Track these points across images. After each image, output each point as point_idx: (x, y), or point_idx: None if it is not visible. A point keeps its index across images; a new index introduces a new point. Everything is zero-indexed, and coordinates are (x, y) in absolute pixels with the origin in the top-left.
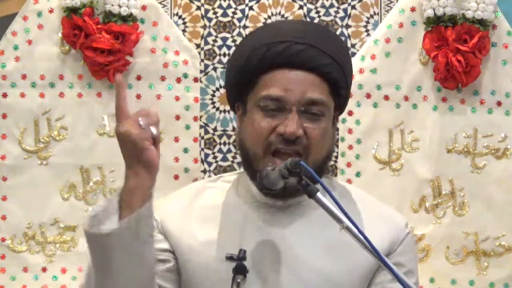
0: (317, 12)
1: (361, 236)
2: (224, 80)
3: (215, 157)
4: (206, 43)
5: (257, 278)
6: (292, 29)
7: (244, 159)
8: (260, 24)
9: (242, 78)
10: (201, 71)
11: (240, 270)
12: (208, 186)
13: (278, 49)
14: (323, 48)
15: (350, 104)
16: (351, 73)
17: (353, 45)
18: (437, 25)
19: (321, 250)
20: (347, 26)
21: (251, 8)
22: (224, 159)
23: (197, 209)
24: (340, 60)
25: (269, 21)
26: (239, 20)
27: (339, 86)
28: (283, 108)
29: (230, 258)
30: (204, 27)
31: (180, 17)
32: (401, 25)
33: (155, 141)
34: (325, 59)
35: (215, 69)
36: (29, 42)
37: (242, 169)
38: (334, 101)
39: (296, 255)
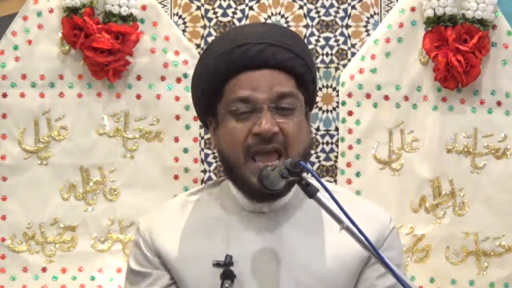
0: (317, 12)
1: (361, 236)
2: (192, 99)
3: (215, 157)
4: (206, 43)
5: (255, 282)
6: (249, 32)
7: (226, 168)
8: None
9: (209, 89)
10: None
11: (227, 275)
12: (191, 200)
13: (238, 53)
14: (283, 45)
15: (350, 104)
16: (315, 68)
17: (353, 45)
18: (437, 25)
19: (311, 249)
20: (347, 26)
21: (251, 8)
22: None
23: (183, 224)
24: (302, 54)
25: (269, 21)
26: (239, 20)
27: (305, 80)
28: (254, 108)
29: (217, 264)
30: (204, 27)
31: (180, 17)
32: (401, 25)
33: None
34: (287, 54)
35: None
36: (29, 42)
37: (222, 177)
38: (302, 95)
39: (288, 256)
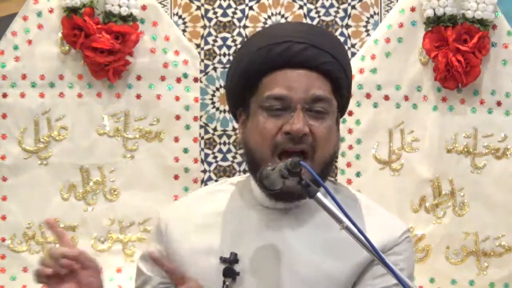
0: (317, 12)
1: (360, 236)
2: (225, 89)
3: (215, 157)
4: (206, 43)
5: (257, 280)
6: (291, 30)
7: (250, 162)
8: (260, 24)
9: (245, 83)
10: (201, 71)
11: (229, 273)
12: (214, 190)
13: (279, 49)
14: (323, 47)
15: (350, 104)
16: (351, 74)
17: (353, 45)
18: (437, 25)
19: (320, 250)
20: (347, 26)
21: (251, 8)
22: (224, 159)
23: (198, 216)
24: (341, 59)
25: (269, 21)
26: (239, 20)
27: (341, 85)
28: (287, 107)
29: (224, 261)
30: (204, 27)
31: (180, 17)
32: (401, 25)
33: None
34: (327, 57)
35: (215, 69)
36: (29, 42)
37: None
38: (336, 100)
39: (297, 256)
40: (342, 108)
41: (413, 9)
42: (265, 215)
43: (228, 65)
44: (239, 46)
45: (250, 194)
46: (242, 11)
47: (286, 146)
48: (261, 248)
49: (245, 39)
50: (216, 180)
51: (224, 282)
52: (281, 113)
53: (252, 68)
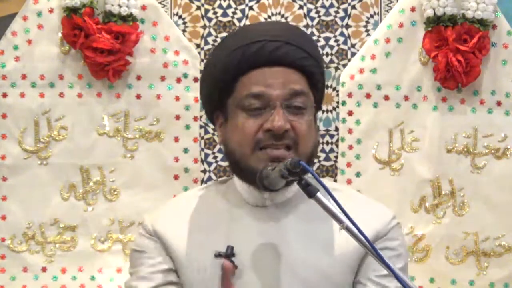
0: (317, 12)
1: (360, 236)
2: (200, 95)
3: (215, 157)
4: (206, 43)
5: (255, 274)
6: (265, 29)
7: (232, 162)
8: None
9: (221, 85)
10: (201, 71)
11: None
12: (197, 195)
13: (254, 48)
14: (297, 44)
15: (350, 104)
16: (324, 69)
17: (353, 45)
18: (437, 25)
19: (312, 243)
20: (347, 26)
21: (251, 8)
22: (224, 159)
23: (188, 216)
24: (315, 54)
25: (269, 21)
26: (239, 20)
27: (316, 80)
28: (266, 104)
29: (218, 255)
30: (204, 27)
31: (180, 17)
32: (401, 25)
33: None
34: (301, 53)
35: None
36: (29, 42)
37: (230, 176)
38: (313, 94)
39: (288, 250)
40: (318, 102)
41: (413, 9)
42: (253, 214)
43: None
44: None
45: (235, 194)
46: (242, 11)
47: (268, 143)
48: (256, 245)
49: (219, 42)
50: (209, 176)
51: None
52: (260, 112)
53: (228, 69)
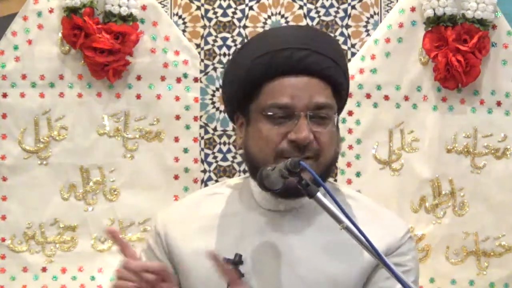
0: (317, 12)
1: (360, 236)
2: (222, 94)
3: (215, 157)
4: (206, 43)
5: (259, 282)
6: (292, 35)
7: (251, 166)
8: (260, 24)
9: (245, 89)
10: (201, 71)
11: None
12: (212, 193)
13: (281, 56)
14: (325, 52)
15: (350, 104)
16: (349, 76)
17: (353, 45)
18: (437, 25)
19: (322, 252)
20: (347, 26)
21: (251, 8)
22: (224, 159)
23: (199, 218)
24: (341, 62)
25: (269, 21)
26: (239, 20)
27: (341, 88)
28: (291, 115)
29: (227, 262)
30: (204, 27)
31: (180, 17)
32: (401, 25)
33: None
34: (328, 62)
35: (215, 69)
36: (29, 42)
37: (247, 174)
38: (336, 103)
39: (298, 258)
40: (340, 108)
41: (413, 9)
42: (266, 218)
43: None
44: (239, 46)
45: (249, 197)
46: (242, 11)
47: (292, 154)
48: (263, 251)
49: (243, 44)
50: (217, 180)
51: (228, 284)
52: (284, 121)
53: (253, 75)
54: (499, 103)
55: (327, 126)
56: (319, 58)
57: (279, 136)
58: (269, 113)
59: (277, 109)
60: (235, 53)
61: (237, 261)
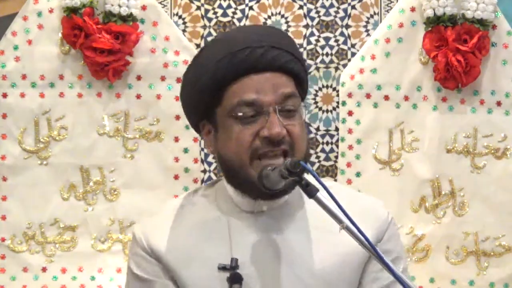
0: (317, 12)
1: (361, 236)
2: (183, 104)
3: (215, 157)
4: (206, 43)
5: (260, 283)
6: (246, 35)
7: (227, 171)
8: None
9: (208, 94)
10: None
11: (235, 279)
12: (186, 203)
13: (241, 56)
14: (282, 47)
15: (350, 104)
16: (306, 68)
17: (353, 45)
18: (437, 25)
19: (312, 247)
20: (347, 26)
21: (251, 8)
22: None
23: (181, 227)
24: (298, 55)
25: (269, 21)
26: (239, 20)
27: (301, 79)
28: (260, 111)
29: (223, 268)
30: (204, 27)
31: (180, 17)
32: (401, 25)
33: None
34: (287, 56)
35: None
36: (29, 42)
37: (213, 180)
38: (299, 94)
39: (295, 255)
40: (303, 99)
41: (413, 9)
42: (250, 220)
43: None
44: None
45: (228, 201)
46: (242, 11)
47: (266, 150)
48: (257, 252)
49: (199, 51)
50: (209, 176)
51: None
52: (253, 119)
53: (215, 79)
54: (499, 103)
55: (296, 118)
56: (279, 53)
57: (251, 135)
58: (239, 114)
59: (245, 107)
60: (192, 61)
61: (234, 265)
